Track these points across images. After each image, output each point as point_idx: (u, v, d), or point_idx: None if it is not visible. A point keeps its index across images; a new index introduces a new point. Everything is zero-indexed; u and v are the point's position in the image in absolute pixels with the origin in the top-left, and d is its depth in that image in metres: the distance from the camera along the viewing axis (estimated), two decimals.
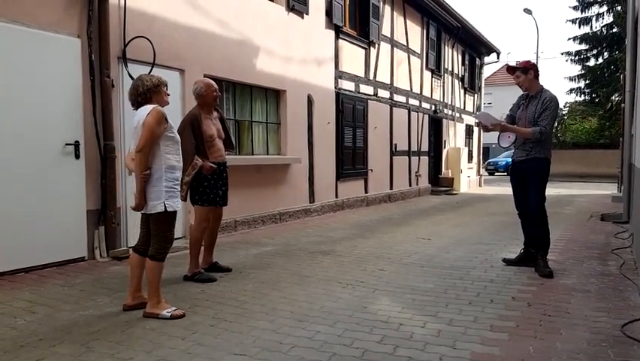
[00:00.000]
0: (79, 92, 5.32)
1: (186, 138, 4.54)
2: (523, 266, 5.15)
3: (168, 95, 3.88)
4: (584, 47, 27.40)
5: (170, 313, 3.62)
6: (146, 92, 3.70)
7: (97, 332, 3.37)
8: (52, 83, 5.08)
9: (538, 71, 5.16)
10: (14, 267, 4.79)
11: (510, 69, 5.22)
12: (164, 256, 3.74)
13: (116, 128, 5.68)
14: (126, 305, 3.81)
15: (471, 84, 19.17)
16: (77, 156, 5.30)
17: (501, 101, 37.69)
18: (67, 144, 5.20)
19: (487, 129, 5.29)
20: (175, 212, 3.74)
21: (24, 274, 4.80)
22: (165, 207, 3.64)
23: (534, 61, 5.50)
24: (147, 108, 3.64)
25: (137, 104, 3.75)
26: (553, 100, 4.97)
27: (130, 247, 5.55)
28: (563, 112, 33.75)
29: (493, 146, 30.32)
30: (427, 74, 14.82)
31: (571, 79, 28.48)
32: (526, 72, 5.06)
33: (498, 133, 5.30)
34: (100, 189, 5.55)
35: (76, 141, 5.28)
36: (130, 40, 5.79)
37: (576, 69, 35.88)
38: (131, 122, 3.87)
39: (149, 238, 3.75)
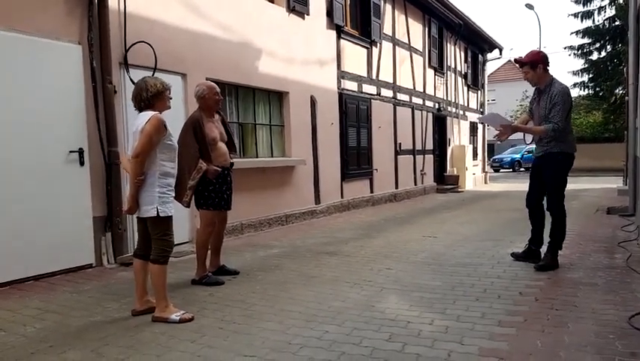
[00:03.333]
0: (81, 99, 5.35)
1: (189, 142, 4.56)
2: (531, 262, 5.13)
3: (171, 98, 3.91)
4: (586, 40, 27.19)
5: (178, 317, 3.64)
6: (150, 99, 3.73)
7: (106, 337, 3.39)
8: (55, 91, 5.10)
9: (547, 62, 4.92)
10: (23, 275, 4.82)
11: (518, 62, 5.00)
12: (166, 260, 3.76)
13: (120, 134, 5.70)
14: (135, 311, 3.83)
15: (474, 81, 19.12)
16: (82, 163, 5.33)
17: (504, 97, 37.61)
18: (71, 152, 5.23)
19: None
20: (170, 216, 3.76)
21: (33, 282, 4.83)
22: (158, 212, 3.67)
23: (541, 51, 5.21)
24: (147, 115, 3.68)
25: (139, 108, 3.79)
26: (561, 93, 4.75)
27: None
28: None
29: (498, 143, 30.19)
30: (430, 72, 14.79)
31: (574, 73, 28.24)
32: (535, 67, 4.88)
33: None
34: (105, 195, 5.58)
35: (80, 148, 5.31)
36: (131, 46, 5.81)
37: (579, 63, 35.78)
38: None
39: (147, 243, 3.79)
